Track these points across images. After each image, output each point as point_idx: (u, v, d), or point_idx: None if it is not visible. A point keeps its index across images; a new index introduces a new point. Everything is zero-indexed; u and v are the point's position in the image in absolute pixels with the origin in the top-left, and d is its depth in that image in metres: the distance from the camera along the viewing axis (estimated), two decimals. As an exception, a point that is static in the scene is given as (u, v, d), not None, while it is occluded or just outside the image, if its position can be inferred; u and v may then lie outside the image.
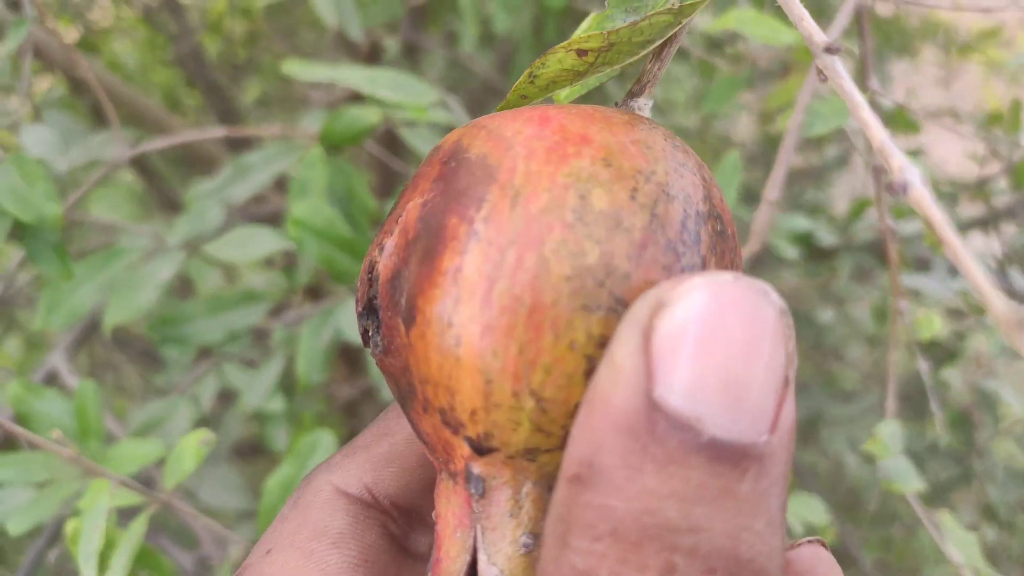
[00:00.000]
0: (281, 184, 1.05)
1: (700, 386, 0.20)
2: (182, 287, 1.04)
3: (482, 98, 1.31)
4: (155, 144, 0.70)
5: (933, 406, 0.76)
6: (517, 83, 0.28)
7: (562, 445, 0.24)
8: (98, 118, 1.49)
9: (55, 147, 0.82)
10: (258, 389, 0.79)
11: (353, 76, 0.67)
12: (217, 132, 0.73)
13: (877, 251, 1.39)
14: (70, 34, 1.81)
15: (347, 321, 0.76)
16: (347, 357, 1.16)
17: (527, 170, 0.24)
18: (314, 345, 0.76)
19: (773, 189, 0.50)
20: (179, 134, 0.71)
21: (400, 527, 0.32)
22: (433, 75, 1.20)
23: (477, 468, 0.25)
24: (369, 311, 0.26)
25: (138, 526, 0.47)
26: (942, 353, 1.70)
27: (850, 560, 1.63)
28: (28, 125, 0.94)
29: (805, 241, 1.28)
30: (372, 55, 1.16)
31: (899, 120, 1.61)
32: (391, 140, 1.06)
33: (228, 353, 0.80)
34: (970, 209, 1.60)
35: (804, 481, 1.50)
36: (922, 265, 1.34)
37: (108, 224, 0.75)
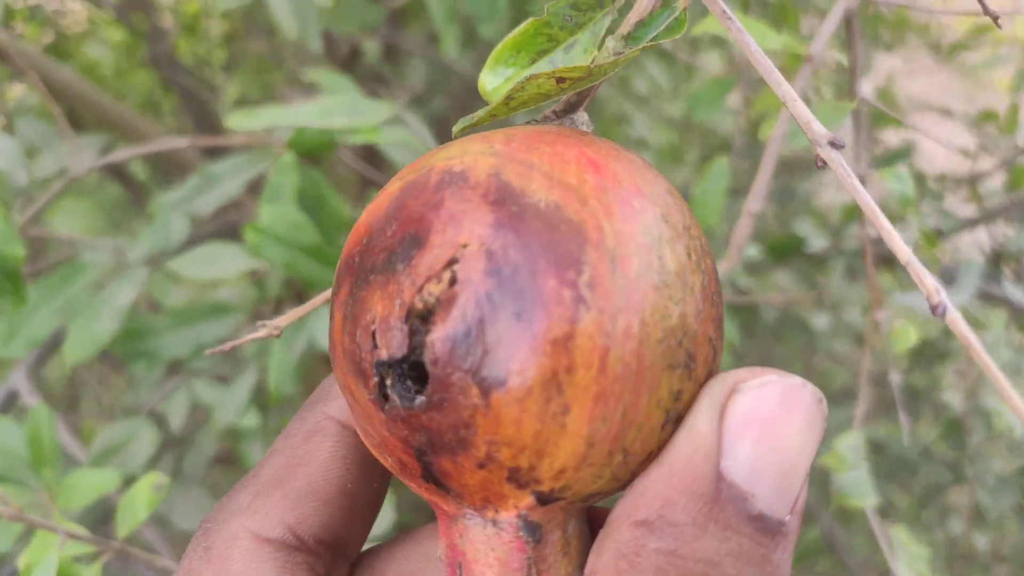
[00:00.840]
0: (256, 191, 1.01)
1: (758, 466, 0.24)
2: (150, 298, 1.01)
3: (464, 99, 1.28)
4: (120, 155, 0.67)
5: (901, 417, 0.75)
6: (492, 106, 0.28)
7: (623, 487, 0.25)
8: (73, 124, 1.45)
9: (17, 159, 0.78)
10: (231, 405, 0.76)
11: (302, 114, 0.64)
12: (182, 142, 0.69)
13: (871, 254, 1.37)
14: (43, 39, 1.77)
15: (321, 331, 0.73)
16: (328, 366, 1.13)
17: (614, 230, 0.24)
18: (286, 357, 0.73)
19: (755, 201, 0.48)
20: (147, 143, 0.67)
21: (326, 564, 0.30)
22: (415, 78, 1.17)
23: (536, 516, 0.25)
24: (400, 363, 0.24)
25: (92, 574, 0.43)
26: (932, 353, 1.69)
27: (838, 559, 1.61)
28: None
29: (790, 249, 1.26)
30: (351, 59, 1.13)
31: (885, 117, 1.59)
32: (369, 150, 1.04)
33: (198, 369, 0.76)
34: (956, 205, 1.58)
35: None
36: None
37: (69, 239, 0.71)
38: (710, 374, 0.26)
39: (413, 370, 0.25)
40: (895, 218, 1.36)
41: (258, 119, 0.66)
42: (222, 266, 0.66)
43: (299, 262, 0.68)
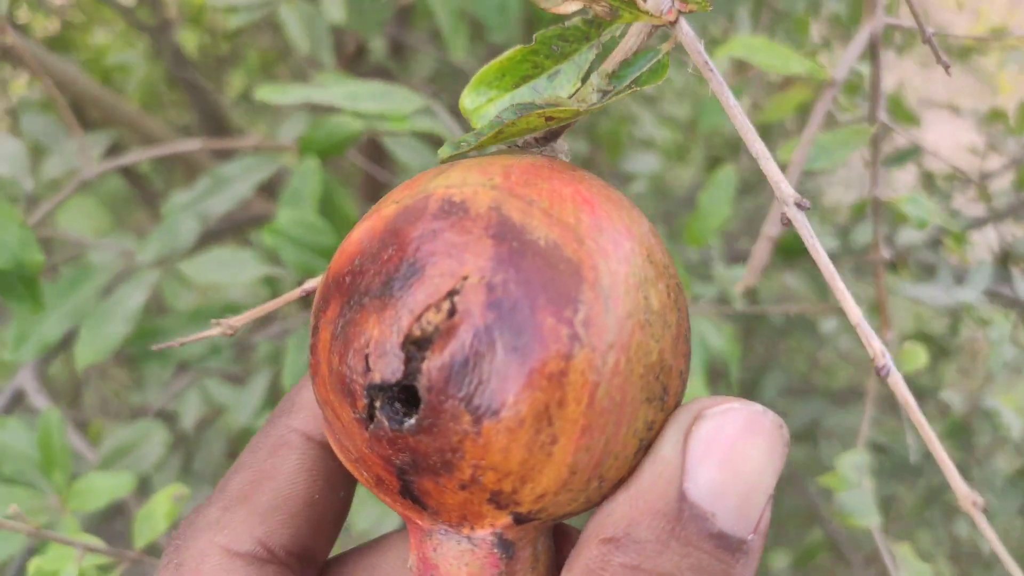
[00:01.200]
0: (262, 189, 1.01)
1: (720, 488, 0.25)
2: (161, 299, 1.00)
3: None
4: (132, 157, 0.66)
5: (909, 439, 0.75)
6: (485, 138, 0.28)
7: (588, 509, 0.27)
8: (78, 118, 1.44)
9: (22, 163, 0.78)
10: (245, 406, 0.75)
11: (331, 94, 0.63)
12: (193, 144, 0.69)
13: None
14: (48, 29, 1.76)
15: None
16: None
17: (608, 270, 0.25)
18: (301, 359, 0.72)
19: (773, 225, 0.47)
20: (157, 143, 0.67)
21: (295, 574, 0.31)
22: (421, 74, 1.16)
23: (511, 534, 0.26)
24: (392, 387, 0.25)
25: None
26: (936, 349, 1.69)
27: (844, 562, 1.61)
28: (-1, 137, 0.89)
29: (802, 247, 1.25)
30: (357, 56, 1.12)
31: (898, 112, 1.58)
32: (375, 149, 1.03)
33: (208, 368, 0.76)
34: (965, 204, 1.57)
35: (801, 490, 1.47)
36: (926, 272, 1.31)
37: (76, 239, 0.71)
38: (677, 404, 0.28)
39: (403, 393, 0.25)
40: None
41: (288, 95, 0.65)
42: (233, 271, 0.66)
43: (314, 264, 0.67)
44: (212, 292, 0.81)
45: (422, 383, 0.25)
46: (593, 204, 0.27)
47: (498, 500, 0.25)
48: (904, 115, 1.47)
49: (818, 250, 0.26)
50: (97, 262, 0.66)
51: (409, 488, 0.26)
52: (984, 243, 1.55)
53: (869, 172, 0.57)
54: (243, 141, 0.68)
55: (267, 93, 0.63)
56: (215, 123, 1.71)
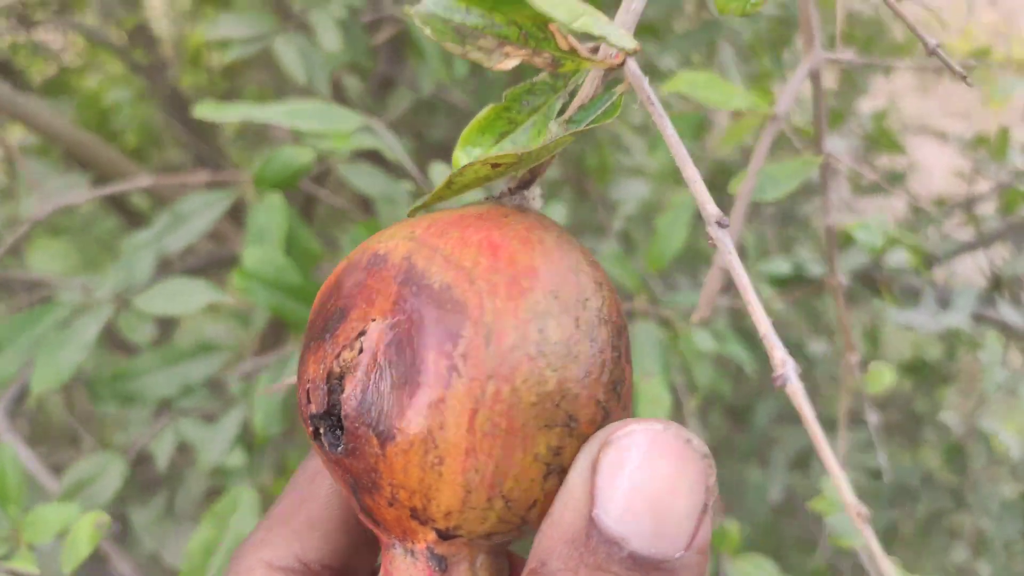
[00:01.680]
0: (238, 222, 1.02)
1: (628, 512, 0.26)
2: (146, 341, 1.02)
3: (456, 132, 1.29)
4: (76, 197, 0.67)
5: (879, 458, 0.75)
6: (437, 189, 0.31)
7: (518, 528, 0.29)
8: (72, 163, 1.47)
9: None
10: (216, 444, 0.76)
11: (271, 112, 0.65)
12: (144, 181, 0.70)
13: (866, 279, 1.37)
14: (46, 72, 1.80)
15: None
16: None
17: (494, 307, 0.27)
18: (271, 397, 0.73)
19: (714, 279, 0.48)
20: (107, 184, 0.68)
21: None
22: (399, 109, 1.18)
23: (440, 549, 0.29)
24: (327, 415, 0.29)
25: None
26: (935, 377, 1.68)
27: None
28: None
29: (789, 278, 1.26)
30: (336, 94, 1.14)
31: (883, 140, 1.59)
32: (320, 172, 1.05)
33: (186, 408, 0.77)
34: (954, 227, 1.57)
35: (800, 517, 1.46)
36: (910, 297, 1.31)
37: (43, 279, 0.72)
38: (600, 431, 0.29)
39: (338, 420, 0.29)
40: (894, 241, 1.35)
41: (227, 113, 0.67)
42: (186, 300, 0.67)
43: (284, 304, 0.68)
44: (190, 329, 0.83)
45: (343, 412, 0.28)
46: (498, 247, 0.29)
47: (417, 516, 0.28)
48: (889, 143, 1.48)
49: (735, 266, 0.27)
50: (63, 300, 0.68)
51: (362, 505, 0.30)
52: (973, 267, 1.55)
53: (823, 203, 0.58)
54: (194, 177, 0.69)
55: (206, 111, 0.64)
56: (213, 162, 1.73)
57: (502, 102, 0.34)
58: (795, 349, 1.50)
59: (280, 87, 1.89)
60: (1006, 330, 1.30)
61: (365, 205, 1.38)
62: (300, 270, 0.66)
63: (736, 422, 1.51)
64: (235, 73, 1.95)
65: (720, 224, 0.27)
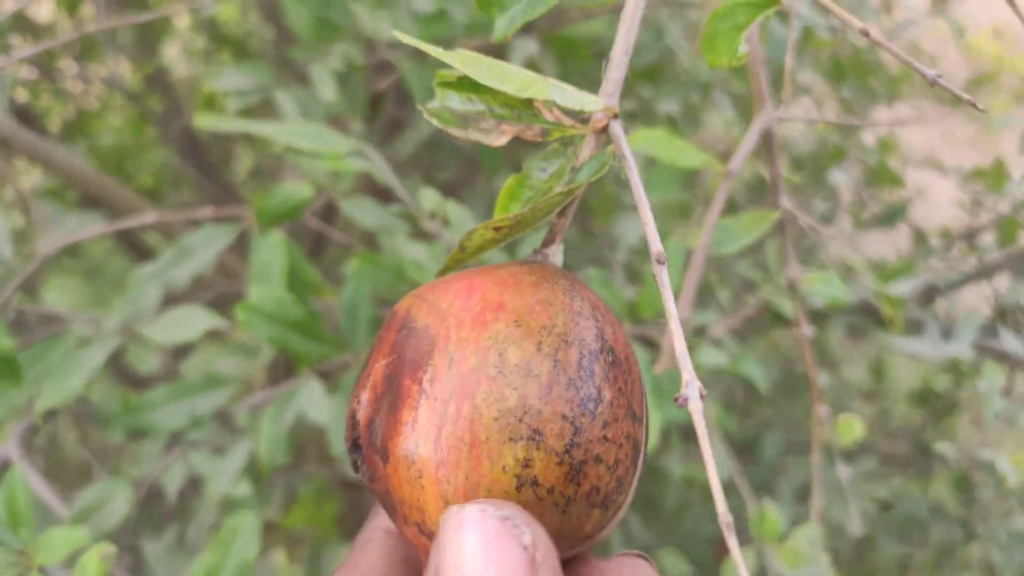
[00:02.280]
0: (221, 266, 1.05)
1: None
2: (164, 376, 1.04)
3: (466, 171, 1.32)
4: (83, 233, 0.70)
5: (852, 512, 0.75)
6: (452, 254, 0.35)
7: None
8: (88, 205, 1.51)
9: (3, 234, 0.83)
10: (224, 475, 0.78)
11: (268, 128, 0.68)
12: (149, 217, 0.73)
13: (869, 312, 1.38)
14: (66, 114, 1.85)
15: (309, 404, 0.76)
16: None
17: (458, 337, 0.31)
18: (276, 429, 0.75)
19: (684, 308, 0.50)
20: (115, 221, 0.71)
21: None
22: (405, 152, 1.21)
23: None
24: (354, 448, 0.33)
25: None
26: (941, 407, 1.68)
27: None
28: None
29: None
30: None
31: (883, 175, 1.61)
32: (328, 211, 1.07)
33: (195, 440, 0.79)
34: (957, 259, 1.58)
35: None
36: (915, 328, 1.32)
37: (56, 314, 0.75)
38: (572, 445, 0.31)
39: (362, 452, 0.33)
40: (895, 271, 1.36)
41: (228, 124, 0.70)
42: (188, 328, 0.70)
43: (287, 338, 0.71)
44: (199, 363, 0.85)
45: (361, 443, 0.33)
46: (473, 290, 0.33)
47: (423, 530, 0.31)
48: (889, 177, 1.50)
49: (668, 300, 0.30)
50: (73, 332, 0.70)
51: (399, 530, 0.33)
52: (978, 297, 1.56)
53: (783, 256, 0.59)
54: (198, 213, 0.72)
55: (205, 121, 0.67)
56: (227, 202, 1.77)
57: (521, 172, 0.38)
58: (801, 380, 1.51)
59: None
60: (1008, 360, 1.30)
61: (371, 241, 1.41)
62: (301, 302, 0.68)
63: (743, 456, 1.52)
64: (248, 115, 2.01)
65: (659, 261, 0.30)
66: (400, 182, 1.19)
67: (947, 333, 1.30)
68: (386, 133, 1.33)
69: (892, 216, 1.51)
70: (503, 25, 0.37)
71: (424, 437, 0.30)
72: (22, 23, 1.54)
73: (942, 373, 1.69)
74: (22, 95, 1.65)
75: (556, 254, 0.37)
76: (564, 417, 0.31)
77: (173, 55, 1.98)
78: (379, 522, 0.38)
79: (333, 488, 1.42)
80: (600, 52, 1.02)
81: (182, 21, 1.85)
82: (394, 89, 1.22)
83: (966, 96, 0.47)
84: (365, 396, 0.33)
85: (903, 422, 1.74)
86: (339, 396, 0.75)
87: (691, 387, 0.26)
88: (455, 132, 0.35)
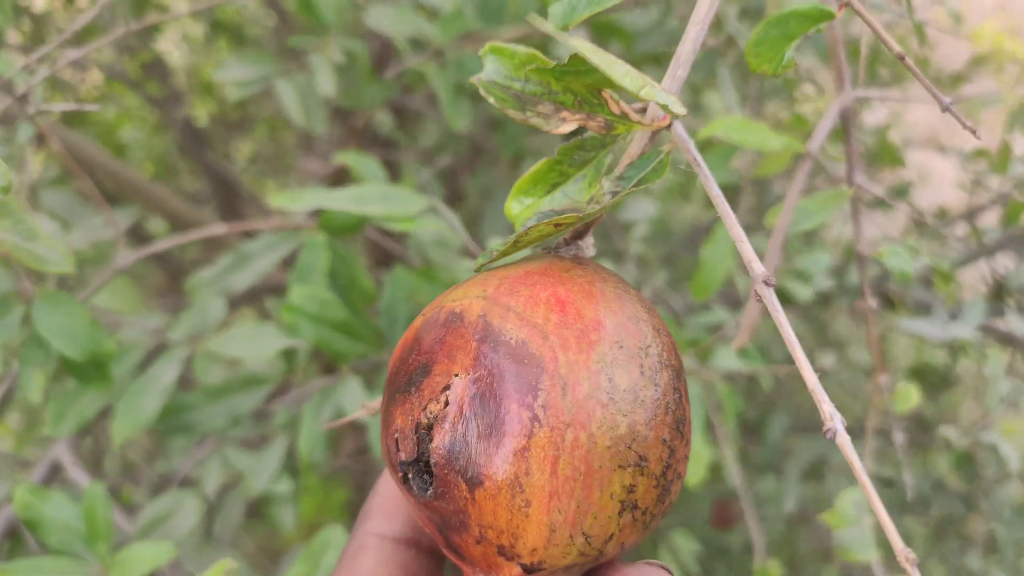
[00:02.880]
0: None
1: None
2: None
3: (471, 157, 1.32)
4: (160, 245, 0.71)
5: (906, 476, 0.77)
6: (505, 247, 0.34)
7: (595, 559, 0.31)
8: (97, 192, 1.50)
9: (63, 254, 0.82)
10: (262, 472, 0.79)
11: (341, 199, 0.68)
12: (219, 228, 0.73)
13: (877, 292, 1.40)
14: (65, 105, 1.83)
15: (347, 400, 0.76)
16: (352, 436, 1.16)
17: (567, 360, 0.30)
18: (315, 426, 0.76)
19: (762, 283, 0.51)
20: (185, 232, 0.71)
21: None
22: (425, 139, 1.21)
23: None
24: (416, 463, 0.32)
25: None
26: (939, 381, 1.71)
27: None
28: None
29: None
30: (366, 129, 1.17)
31: (886, 154, 1.63)
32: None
33: (231, 436, 0.79)
34: (956, 239, 1.60)
35: (813, 528, 1.49)
36: (922, 309, 1.35)
37: (111, 317, 0.75)
38: (667, 468, 0.32)
39: (427, 467, 0.32)
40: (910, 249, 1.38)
41: (299, 201, 0.70)
42: (258, 345, 0.70)
43: (330, 338, 0.71)
44: (231, 362, 0.85)
45: (432, 460, 0.31)
46: (565, 304, 0.32)
47: (504, 553, 0.31)
48: (891, 157, 1.51)
49: (783, 324, 0.30)
50: (129, 338, 0.71)
51: (449, 542, 0.32)
52: (977, 277, 1.58)
53: (854, 234, 0.61)
54: (264, 223, 0.72)
55: (281, 200, 0.67)
56: (225, 188, 1.76)
57: (555, 156, 0.37)
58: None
59: (287, 123, 1.93)
60: (1013, 341, 1.33)
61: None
62: (354, 309, 0.69)
63: (751, 435, 1.54)
64: (247, 102, 1.99)
65: (767, 283, 0.30)
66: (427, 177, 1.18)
67: (953, 314, 1.33)
68: (406, 123, 1.33)
69: (896, 194, 1.52)
70: (561, 11, 0.35)
71: (539, 467, 0.29)
72: (18, 11, 1.51)
73: (939, 350, 1.72)
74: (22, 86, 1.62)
75: (590, 247, 0.37)
76: (663, 441, 0.31)
77: (170, 44, 1.96)
78: (369, 527, 0.37)
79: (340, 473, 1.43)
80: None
81: (180, 8, 1.83)
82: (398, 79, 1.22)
83: (968, 123, 0.48)
84: (443, 412, 0.31)
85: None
86: (377, 393, 0.76)
87: (836, 420, 0.27)
88: (513, 114, 0.34)
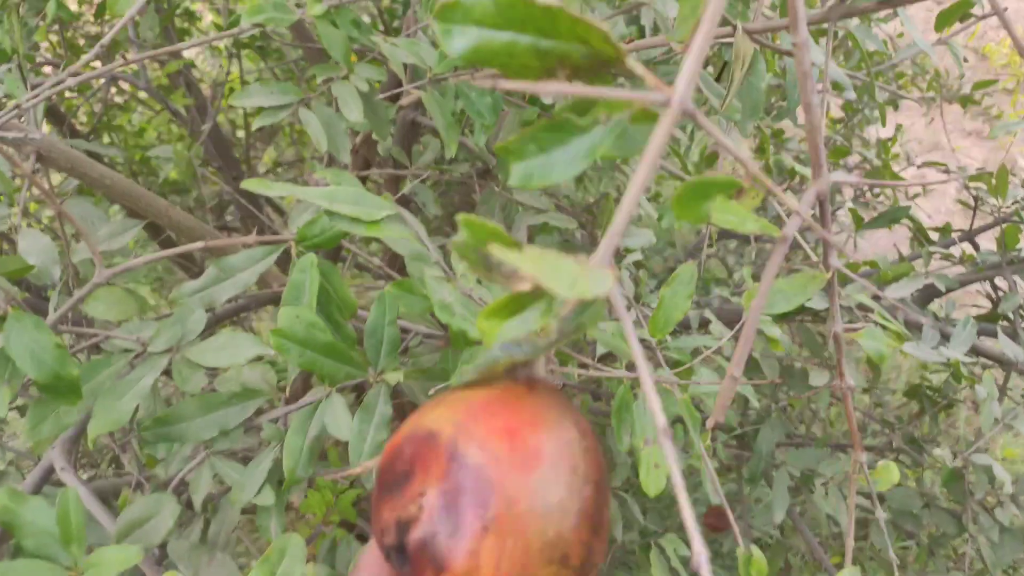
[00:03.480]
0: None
1: None
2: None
3: (476, 176, 1.37)
4: (141, 260, 0.76)
5: (891, 555, 0.78)
6: (476, 377, 0.43)
7: None
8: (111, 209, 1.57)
9: (51, 255, 0.88)
10: (249, 485, 0.84)
11: (310, 193, 0.73)
12: (195, 246, 0.79)
13: (867, 311, 1.42)
14: (93, 111, 1.91)
15: (332, 420, 0.81)
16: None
17: (512, 481, 0.38)
18: (299, 442, 0.81)
19: (737, 366, 0.53)
20: (168, 249, 0.76)
21: None
22: (426, 159, 1.26)
23: None
24: (396, 546, 0.40)
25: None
26: (941, 399, 1.72)
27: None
28: (24, 231, 1.00)
29: (795, 311, 1.31)
30: (368, 147, 1.22)
31: (886, 173, 1.64)
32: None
33: (221, 448, 0.85)
34: (954, 258, 1.61)
35: (802, 537, 1.51)
36: (914, 329, 1.37)
37: (101, 326, 0.80)
38: (585, 562, 0.40)
39: (404, 550, 0.40)
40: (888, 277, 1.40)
41: (271, 189, 0.75)
42: (235, 353, 0.76)
43: (317, 361, 0.76)
44: (225, 377, 0.91)
45: (409, 547, 0.39)
46: (515, 434, 0.40)
47: None
48: (891, 175, 1.53)
49: (675, 475, 0.33)
50: (116, 350, 0.76)
51: None
52: (974, 294, 1.59)
53: (831, 313, 0.63)
54: (242, 240, 0.77)
55: (253, 185, 0.72)
56: (248, 195, 1.83)
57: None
58: (800, 374, 1.55)
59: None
60: (1006, 364, 1.34)
61: (393, 260, 1.46)
62: (336, 323, 0.74)
63: (742, 447, 1.57)
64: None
65: (664, 433, 0.34)
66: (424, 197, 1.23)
67: (945, 335, 1.34)
68: (404, 139, 1.38)
69: (894, 216, 1.54)
70: (518, 175, 0.39)
71: (486, 564, 0.38)
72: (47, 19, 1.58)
73: (935, 372, 1.73)
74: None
75: (541, 367, 0.45)
76: (583, 542, 0.39)
77: (195, 53, 2.03)
78: None
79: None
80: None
81: (204, 20, 1.90)
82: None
83: (975, 188, 0.51)
84: (419, 514, 0.40)
85: (898, 413, 1.78)
86: (360, 414, 0.80)
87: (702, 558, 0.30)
88: (481, 274, 0.41)
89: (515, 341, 0.42)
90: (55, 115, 1.70)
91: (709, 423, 0.65)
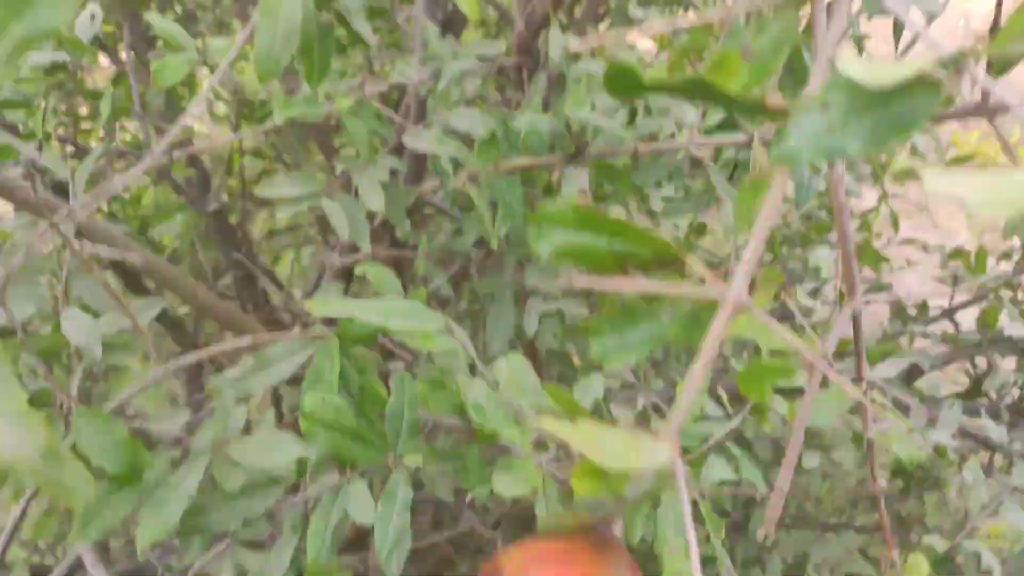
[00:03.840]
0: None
1: None
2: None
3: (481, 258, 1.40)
4: (190, 357, 0.78)
5: None
6: (558, 519, 0.46)
7: None
8: (130, 284, 1.58)
9: (94, 334, 0.89)
10: (272, 572, 0.85)
11: (368, 309, 0.75)
12: (243, 341, 0.80)
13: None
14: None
15: (355, 505, 0.82)
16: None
17: None
18: (323, 528, 0.82)
19: (784, 480, 0.56)
20: (211, 345, 0.79)
21: None
22: (436, 242, 1.29)
23: None
24: None
25: None
26: (929, 480, 1.75)
27: None
28: (67, 311, 1.01)
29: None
30: (381, 229, 1.25)
31: (867, 253, 1.70)
32: None
33: (242, 537, 0.86)
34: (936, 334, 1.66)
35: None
36: (900, 410, 1.41)
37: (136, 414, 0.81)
38: None
39: None
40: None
41: (330, 308, 0.77)
42: (277, 453, 0.77)
43: (344, 445, 0.78)
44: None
45: None
46: None
47: None
48: (872, 256, 1.59)
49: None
50: (162, 455, 0.77)
51: None
52: (957, 370, 1.64)
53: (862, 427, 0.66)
54: (286, 335, 0.79)
55: (314, 305, 0.75)
56: (245, 261, 1.85)
57: None
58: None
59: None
60: (987, 444, 1.39)
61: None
62: (367, 418, 0.76)
63: (735, 531, 1.59)
64: (267, 177, 2.08)
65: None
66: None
67: (931, 419, 1.38)
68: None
69: (876, 289, 1.59)
70: (598, 352, 0.42)
71: None
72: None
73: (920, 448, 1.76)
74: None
75: (616, 528, 0.47)
76: None
77: (196, 123, 2.06)
78: None
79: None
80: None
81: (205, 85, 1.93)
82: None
83: (978, 275, 0.55)
84: None
85: (885, 488, 1.81)
86: (384, 499, 0.82)
87: None
88: (510, 434, 0.46)
89: (595, 500, 0.45)
90: (59, 186, 1.72)
91: (759, 534, 0.67)
